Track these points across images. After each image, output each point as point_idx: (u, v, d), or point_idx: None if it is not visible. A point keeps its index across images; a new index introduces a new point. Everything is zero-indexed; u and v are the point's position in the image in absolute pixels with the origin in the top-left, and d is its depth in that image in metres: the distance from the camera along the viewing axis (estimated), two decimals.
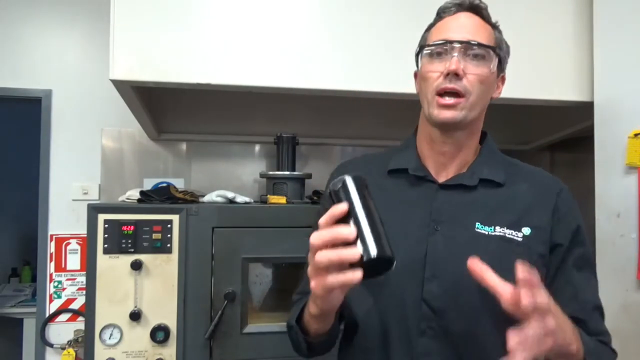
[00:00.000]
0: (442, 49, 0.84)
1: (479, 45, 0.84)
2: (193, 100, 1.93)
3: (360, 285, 0.79)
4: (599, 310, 0.87)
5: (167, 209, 1.46)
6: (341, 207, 0.64)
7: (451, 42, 0.84)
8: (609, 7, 1.49)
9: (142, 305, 1.43)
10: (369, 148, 2.10)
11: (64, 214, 2.23)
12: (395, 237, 0.82)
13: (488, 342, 0.81)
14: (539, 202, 0.88)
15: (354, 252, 0.61)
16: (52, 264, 2.21)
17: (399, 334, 0.84)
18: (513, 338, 0.60)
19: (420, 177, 0.90)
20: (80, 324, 2.17)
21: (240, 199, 1.63)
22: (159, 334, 1.41)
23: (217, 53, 1.38)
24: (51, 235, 2.22)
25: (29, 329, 2.39)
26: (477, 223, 0.85)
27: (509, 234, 0.84)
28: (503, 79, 0.94)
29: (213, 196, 1.61)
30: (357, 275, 0.61)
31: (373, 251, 0.61)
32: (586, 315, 0.84)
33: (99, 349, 1.41)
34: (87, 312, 1.42)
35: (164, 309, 1.44)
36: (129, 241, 1.42)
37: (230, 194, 1.62)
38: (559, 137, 2.17)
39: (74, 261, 2.22)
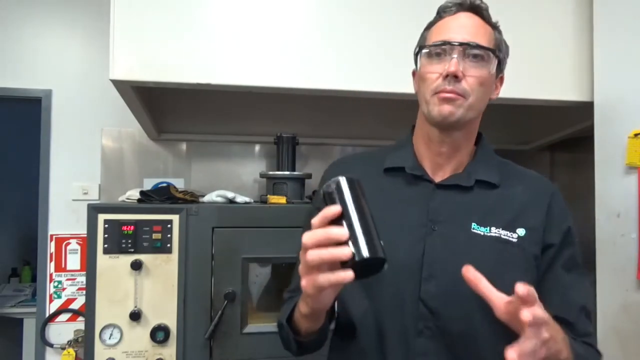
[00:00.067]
0: (442, 50, 0.84)
1: (479, 47, 0.84)
2: (193, 100, 1.93)
3: (356, 285, 0.79)
4: (585, 311, 0.87)
5: (167, 209, 1.46)
6: (334, 209, 0.64)
7: (451, 43, 0.83)
8: (609, 7, 1.49)
9: (142, 305, 1.43)
10: (369, 148, 2.09)
11: (64, 214, 2.23)
12: (393, 236, 0.82)
13: (484, 342, 0.82)
14: (532, 203, 0.89)
15: (346, 251, 0.61)
16: (52, 264, 2.22)
17: (395, 334, 0.83)
18: (512, 353, 0.60)
19: (417, 176, 0.90)
20: (80, 324, 2.17)
21: (240, 199, 1.63)
22: (159, 334, 1.41)
23: (217, 53, 1.38)
24: (51, 235, 2.22)
25: (29, 329, 2.39)
26: (473, 223, 0.85)
27: (504, 235, 0.85)
28: (502, 80, 0.94)
29: (213, 196, 1.61)
30: (348, 275, 0.61)
31: (365, 252, 0.61)
32: (573, 316, 0.84)
33: (99, 349, 1.41)
34: (87, 312, 1.42)
35: (164, 309, 1.44)
36: (129, 241, 1.42)
37: (230, 194, 1.62)
38: (559, 137, 2.17)
39: (74, 261, 2.22)
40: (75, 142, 2.25)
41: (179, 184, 2.10)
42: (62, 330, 2.19)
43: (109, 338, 1.41)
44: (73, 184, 2.23)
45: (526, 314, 0.60)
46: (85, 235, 1.43)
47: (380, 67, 1.43)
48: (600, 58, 1.51)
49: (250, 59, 1.39)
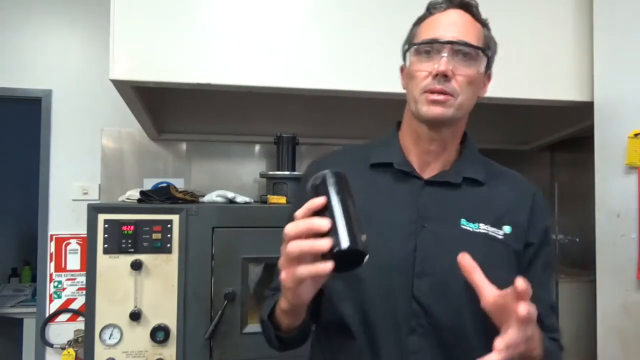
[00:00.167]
0: (431, 48, 0.84)
1: (469, 45, 0.84)
2: (193, 100, 1.93)
3: (346, 283, 0.78)
4: (553, 308, 0.92)
5: (167, 209, 1.46)
6: (318, 200, 0.64)
7: (440, 41, 0.83)
8: (609, 7, 1.49)
9: (142, 305, 1.43)
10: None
11: (64, 214, 2.23)
12: (383, 233, 0.83)
13: (475, 339, 0.83)
14: (517, 202, 0.90)
15: (325, 242, 0.61)
16: (52, 264, 2.22)
17: (388, 332, 0.83)
18: (500, 342, 0.63)
19: (405, 172, 0.89)
20: (80, 324, 2.17)
21: (240, 199, 1.63)
22: (159, 334, 1.41)
23: (217, 53, 1.38)
24: (51, 235, 2.22)
25: (29, 329, 2.39)
26: (462, 220, 0.86)
27: (491, 232, 0.86)
28: (489, 77, 0.94)
29: (213, 196, 1.61)
30: (327, 266, 0.61)
31: (344, 243, 0.61)
32: (543, 311, 0.86)
33: (99, 349, 1.41)
34: (87, 312, 1.42)
35: (164, 309, 1.44)
36: (129, 241, 1.42)
37: (230, 194, 1.62)
38: (559, 137, 2.18)
39: (74, 261, 2.22)
40: (75, 142, 2.25)
41: (179, 184, 2.10)
42: (62, 330, 2.20)
43: (109, 338, 1.41)
44: (73, 184, 2.23)
45: (523, 308, 0.62)
46: (85, 235, 1.43)
47: (380, 67, 1.43)
48: (600, 58, 1.51)
49: (250, 59, 1.39)
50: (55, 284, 2.21)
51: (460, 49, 0.83)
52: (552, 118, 1.99)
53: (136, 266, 1.40)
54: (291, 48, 1.41)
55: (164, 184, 2.02)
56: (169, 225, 1.44)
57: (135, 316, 1.41)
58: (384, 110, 1.93)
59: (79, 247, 2.22)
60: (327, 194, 0.65)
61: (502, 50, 1.51)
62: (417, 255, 0.83)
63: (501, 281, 0.81)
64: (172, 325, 1.44)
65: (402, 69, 0.94)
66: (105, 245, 1.41)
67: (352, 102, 1.60)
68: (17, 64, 2.24)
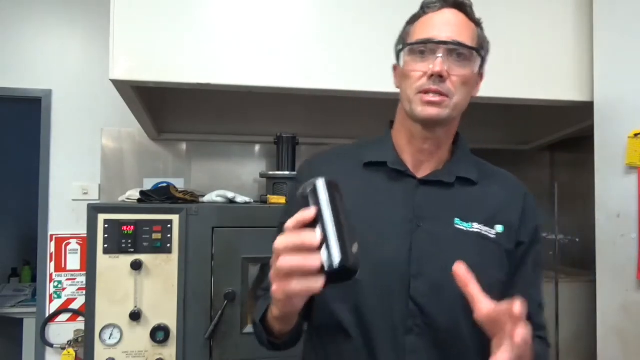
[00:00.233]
0: (426, 48, 0.83)
1: (464, 46, 0.83)
2: (193, 100, 1.93)
3: (340, 285, 0.79)
4: (542, 307, 0.93)
5: (167, 209, 1.46)
6: (309, 213, 0.62)
7: (436, 41, 0.83)
8: (609, 7, 1.49)
9: (142, 305, 1.43)
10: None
11: (64, 214, 2.23)
12: (378, 232, 0.83)
13: (470, 337, 0.83)
14: (509, 202, 0.91)
15: (315, 262, 0.59)
16: (52, 264, 2.22)
17: (384, 332, 0.83)
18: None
19: (399, 171, 0.89)
20: (80, 324, 2.17)
21: (240, 199, 1.63)
22: (159, 334, 1.41)
23: (217, 53, 1.38)
24: (51, 235, 2.22)
25: (29, 329, 2.38)
26: (456, 219, 0.86)
27: (484, 231, 0.86)
28: (482, 76, 0.94)
29: (213, 196, 1.61)
30: (318, 283, 0.60)
31: (336, 260, 0.60)
32: (532, 310, 0.87)
33: (99, 349, 1.41)
34: (87, 312, 1.42)
35: (164, 309, 1.44)
36: (129, 241, 1.42)
37: (230, 194, 1.62)
38: (559, 137, 2.18)
39: (74, 261, 2.22)
40: (75, 142, 2.25)
41: (179, 184, 2.10)
42: (62, 330, 2.20)
43: (109, 338, 1.41)
44: (73, 184, 2.23)
45: (519, 335, 0.62)
46: (85, 235, 1.43)
47: (380, 67, 1.42)
48: (600, 58, 1.51)
49: (250, 59, 1.39)
50: (55, 284, 2.21)
51: (454, 49, 0.83)
52: (552, 118, 1.99)
53: (136, 266, 1.40)
54: (291, 48, 1.41)
55: (164, 184, 2.02)
56: (169, 225, 1.44)
57: (135, 316, 1.41)
58: (384, 110, 1.93)
59: (79, 247, 2.22)
60: (318, 204, 0.63)
61: (502, 50, 1.51)
62: (413, 255, 0.83)
63: (494, 280, 0.84)
64: (172, 325, 1.44)
65: (395, 68, 0.94)
66: (105, 245, 1.41)
67: (352, 102, 1.60)
68: (17, 64, 2.24)
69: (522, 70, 1.52)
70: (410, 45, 0.85)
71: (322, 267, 0.60)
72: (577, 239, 1.74)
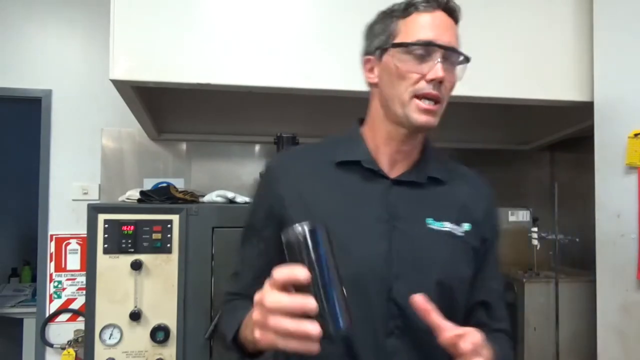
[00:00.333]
0: (426, 51, 0.81)
1: (460, 53, 0.84)
2: (193, 100, 1.93)
3: None
4: (503, 298, 0.96)
5: (167, 209, 1.46)
6: (302, 276, 0.57)
7: (439, 45, 0.81)
8: (609, 7, 1.49)
9: (142, 305, 1.43)
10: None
11: (64, 214, 2.23)
12: (354, 234, 0.82)
13: None
14: (475, 200, 0.92)
15: (315, 330, 0.56)
16: (52, 264, 2.22)
17: (365, 335, 0.82)
18: None
19: (372, 171, 0.87)
20: (80, 324, 2.17)
21: (240, 199, 1.63)
22: (159, 334, 1.41)
23: (217, 53, 1.38)
24: (51, 235, 2.22)
25: (29, 329, 2.38)
26: (428, 219, 0.86)
27: (454, 230, 0.87)
28: None
29: (213, 196, 1.61)
30: (314, 347, 0.58)
31: (341, 325, 0.58)
32: (494, 301, 0.92)
33: (99, 349, 1.41)
34: (87, 312, 1.42)
35: (164, 309, 1.44)
36: (129, 241, 1.42)
37: (230, 194, 1.62)
38: (559, 137, 2.18)
39: (74, 261, 2.22)
40: (75, 142, 2.25)
41: (179, 184, 2.10)
42: (62, 330, 2.20)
43: (109, 338, 1.41)
44: (73, 184, 2.23)
45: (464, 345, 0.67)
46: (85, 235, 1.43)
47: None
48: (600, 58, 1.51)
49: (250, 59, 1.39)
50: (55, 284, 2.21)
51: (451, 56, 0.83)
52: (552, 118, 1.99)
53: (136, 266, 1.40)
54: (291, 48, 1.41)
55: (164, 184, 2.02)
56: (169, 225, 1.44)
57: (135, 316, 1.41)
58: None
59: (79, 247, 2.22)
60: (311, 263, 0.58)
61: (502, 50, 1.52)
62: (392, 256, 0.82)
63: (464, 277, 0.86)
64: (172, 325, 1.44)
65: (368, 61, 0.90)
66: (105, 245, 1.41)
67: (352, 102, 1.59)
68: (17, 64, 2.24)
69: (522, 70, 1.52)
70: (411, 45, 0.82)
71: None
72: (577, 239, 1.74)
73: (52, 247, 2.22)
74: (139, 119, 1.86)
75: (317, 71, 1.42)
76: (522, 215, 2.06)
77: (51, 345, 2.18)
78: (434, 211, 0.87)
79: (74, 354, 2.10)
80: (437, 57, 0.81)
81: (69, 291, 2.22)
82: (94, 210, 1.42)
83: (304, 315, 0.57)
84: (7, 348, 2.85)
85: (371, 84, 0.90)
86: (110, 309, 1.41)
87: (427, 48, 0.81)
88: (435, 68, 0.80)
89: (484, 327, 0.77)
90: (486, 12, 1.48)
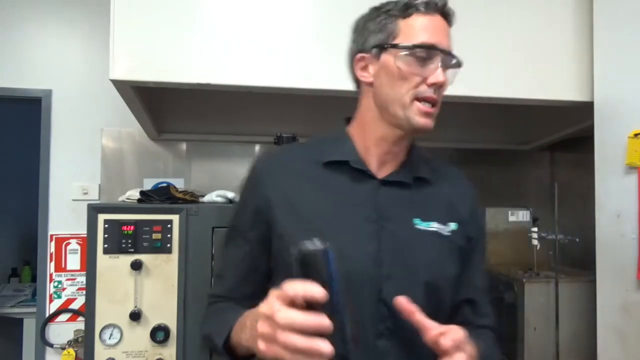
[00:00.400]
0: (428, 55, 0.81)
1: (457, 59, 0.85)
2: (193, 100, 1.93)
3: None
4: (487, 294, 0.97)
5: (167, 209, 1.46)
6: (318, 294, 0.58)
7: (441, 50, 0.81)
8: (608, 7, 1.49)
9: (142, 305, 1.43)
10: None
11: (64, 214, 2.23)
12: (343, 234, 0.82)
13: None
14: (460, 200, 0.92)
15: (327, 349, 0.57)
16: (52, 264, 2.22)
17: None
18: None
19: (360, 171, 0.87)
20: (80, 324, 2.17)
21: None
22: (159, 334, 1.41)
23: (217, 53, 1.38)
24: (51, 235, 2.22)
25: (29, 329, 2.39)
26: (415, 219, 0.86)
27: (440, 230, 0.87)
28: None
29: (213, 196, 1.61)
30: None
31: (342, 346, 0.59)
32: (479, 298, 0.93)
33: (99, 349, 1.41)
34: (87, 312, 1.42)
35: (164, 309, 1.44)
36: (129, 241, 1.42)
37: (230, 194, 1.62)
38: (559, 137, 2.18)
39: (74, 261, 2.23)
40: (75, 142, 2.25)
41: (179, 184, 2.10)
42: (62, 330, 2.20)
43: (109, 338, 1.41)
44: (73, 184, 2.23)
45: (444, 342, 0.68)
46: (85, 235, 1.43)
47: None
48: (600, 58, 1.51)
49: (250, 59, 1.39)
50: (55, 284, 2.21)
51: (450, 61, 0.84)
52: (552, 118, 1.99)
53: (136, 266, 1.40)
54: (291, 48, 1.41)
55: (164, 184, 2.02)
56: (169, 225, 1.44)
57: (135, 316, 1.41)
58: None
59: (79, 247, 2.22)
60: (322, 278, 0.59)
61: (502, 50, 1.52)
62: (382, 257, 0.82)
63: (451, 275, 0.87)
64: (172, 325, 1.44)
65: (362, 59, 0.87)
66: (105, 245, 1.41)
67: (352, 102, 1.59)
68: (17, 64, 2.24)
69: (522, 70, 1.52)
70: (416, 47, 0.81)
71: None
72: (577, 239, 1.74)
73: (52, 247, 2.22)
74: (139, 119, 1.86)
75: (317, 71, 1.42)
76: (522, 215, 2.06)
77: (51, 345, 2.18)
78: (421, 211, 0.87)
79: (74, 354, 2.10)
80: (438, 61, 0.81)
81: (69, 291, 2.22)
82: (94, 210, 1.42)
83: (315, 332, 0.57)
84: (7, 348, 2.86)
85: (364, 83, 0.89)
86: (110, 309, 1.41)
87: (429, 51, 0.81)
88: (437, 72, 0.81)
89: (469, 325, 0.78)
90: (486, 12, 1.48)
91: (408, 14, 0.83)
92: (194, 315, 1.45)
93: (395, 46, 0.83)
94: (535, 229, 1.82)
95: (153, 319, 1.43)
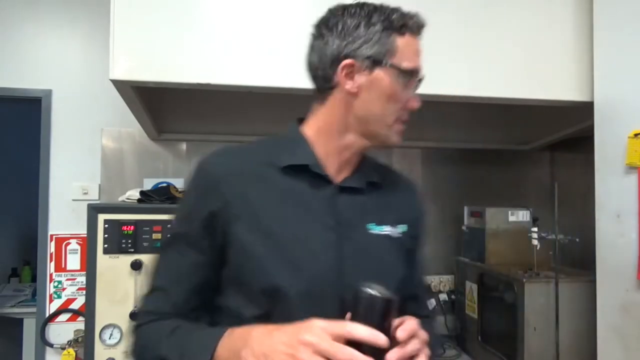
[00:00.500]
0: (414, 80, 0.84)
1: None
2: (193, 100, 1.93)
3: (273, 299, 0.77)
4: (427, 288, 1.05)
5: (167, 209, 1.46)
6: (385, 343, 0.65)
7: (421, 79, 0.85)
8: (609, 7, 1.49)
9: None
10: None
11: (64, 214, 2.23)
12: (306, 244, 0.80)
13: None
14: (407, 202, 0.94)
15: None
16: (52, 264, 2.21)
17: None
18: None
19: (319, 176, 0.84)
20: (80, 324, 2.17)
21: None
22: None
23: (217, 53, 1.38)
24: (51, 235, 2.22)
25: (29, 329, 2.39)
26: (370, 224, 0.87)
27: (391, 233, 0.88)
28: None
29: None
30: None
31: None
32: (420, 292, 1.00)
33: (99, 349, 1.41)
34: (87, 312, 1.42)
35: None
36: (129, 241, 1.42)
37: None
38: (559, 137, 2.18)
39: (74, 261, 2.22)
40: (75, 142, 2.25)
41: (179, 184, 2.09)
42: (62, 330, 2.19)
43: (109, 338, 1.41)
44: (73, 184, 2.23)
45: (400, 333, 0.70)
46: (85, 235, 1.43)
47: None
48: (600, 58, 1.51)
49: (250, 59, 1.39)
50: (55, 284, 2.21)
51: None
52: (552, 118, 1.99)
53: (136, 266, 1.40)
54: (291, 48, 1.41)
55: (164, 184, 2.02)
56: (168, 225, 1.44)
57: (136, 316, 1.40)
58: None
59: (79, 247, 2.22)
60: (381, 325, 0.67)
61: (502, 50, 1.52)
62: (343, 268, 0.81)
63: (402, 276, 0.88)
64: None
65: (351, 65, 0.82)
66: (105, 245, 1.41)
67: None
68: (17, 64, 2.24)
69: (522, 70, 1.52)
70: (412, 72, 0.82)
71: None
72: (577, 239, 1.74)
73: (52, 247, 2.22)
74: (139, 119, 1.86)
75: None
76: (522, 215, 2.05)
77: (51, 345, 2.18)
78: (375, 216, 0.87)
79: (74, 354, 2.10)
80: (415, 87, 0.84)
81: (69, 291, 2.22)
82: (94, 210, 1.42)
83: None
84: (7, 348, 2.85)
85: (344, 91, 0.83)
86: (110, 309, 1.41)
87: (415, 78, 0.84)
88: (417, 97, 0.84)
89: (414, 316, 0.78)
90: (486, 12, 1.48)
91: (402, 33, 0.81)
92: None
93: (395, 66, 0.81)
94: (535, 229, 1.82)
95: None
